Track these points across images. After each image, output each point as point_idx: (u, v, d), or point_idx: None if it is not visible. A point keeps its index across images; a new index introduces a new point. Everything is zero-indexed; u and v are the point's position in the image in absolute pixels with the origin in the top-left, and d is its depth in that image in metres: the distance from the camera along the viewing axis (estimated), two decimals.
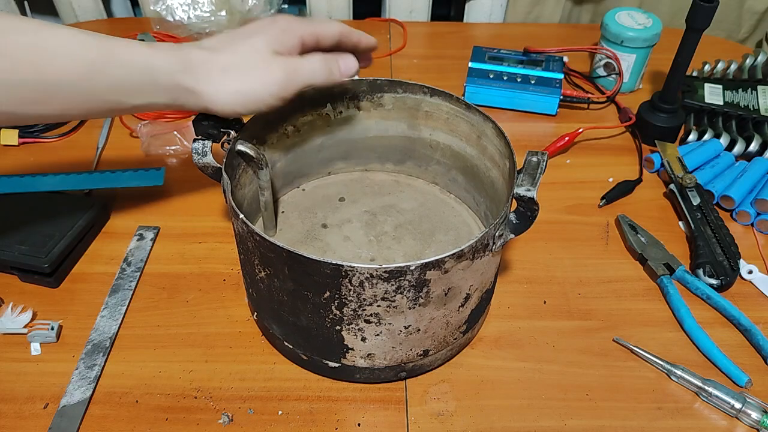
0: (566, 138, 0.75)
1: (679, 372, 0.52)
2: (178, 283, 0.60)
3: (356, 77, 0.56)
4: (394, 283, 0.42)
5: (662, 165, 0.72)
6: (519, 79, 0.82)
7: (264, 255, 0.44)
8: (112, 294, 0.58)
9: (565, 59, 0.85)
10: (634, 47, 0.81)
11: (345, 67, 0.52)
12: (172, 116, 0.78)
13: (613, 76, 0.85)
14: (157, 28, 0.91)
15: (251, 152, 0.51)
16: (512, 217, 0.47)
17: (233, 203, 0.45)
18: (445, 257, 0.42)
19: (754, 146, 0.73)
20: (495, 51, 0.87)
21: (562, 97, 0.80)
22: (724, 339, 0.55)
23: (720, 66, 0.86)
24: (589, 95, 0.82)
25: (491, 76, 0.82)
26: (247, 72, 0.47)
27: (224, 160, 0.49)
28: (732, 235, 0.63)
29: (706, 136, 0.75)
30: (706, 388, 0.50)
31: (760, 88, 0.80)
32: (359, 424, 0.49)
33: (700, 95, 0.80)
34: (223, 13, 0.91)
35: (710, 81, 0.82)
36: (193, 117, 0.52)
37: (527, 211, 0.46)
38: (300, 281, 0.44)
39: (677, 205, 0.68)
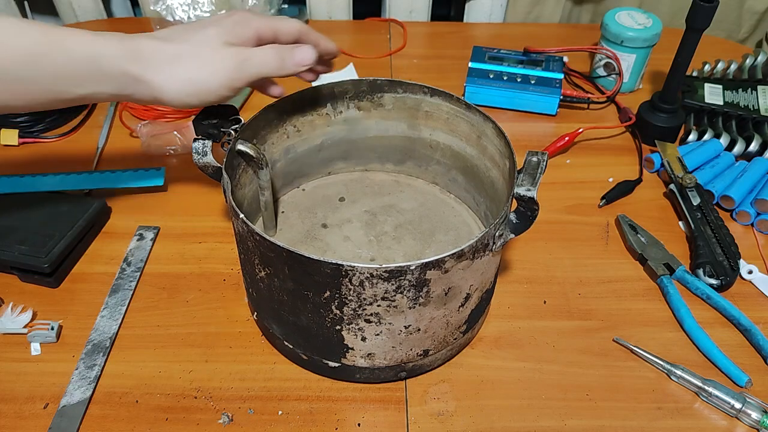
0: (566, 138, 0.75)
1: (679, 372, 0.52)
2: (178, 283, 0.60)
3: (319, 80, 0.55)
4: (394, 282, 0.42)
5: (662, 165, 0.72)
6: (519, 79, 0.82)
7: (264, 255, 0.44)
8: (112, 294, 0.58)
9: (565, 59, 0.85)
10: (634, 47, 0.81)
11: (300, 56, 0.50)
12: (172, 116, 0.78)
13: (613, 76, 0.85)
14: (158, 28, 0.91)
15: (251, 152, 0.51)
16: (512, 217, 0.47)
17: (233, 203, 0.45)
18: (445, 257, 0.42)
19: (754, 146, 0.73)
20: (495, 51, 0.87)
21: (562, 97, 0.80)
22: (724, 339, 0.55)
23: (720, 66, 0.86)
24: (589, 95, 0.82)
25: (491, 76, 0.82)
26: (197, 60, 0.46)
27: (224, 159, 0.49)
28: (732, 235, 0.63)
29: (706, 136, 0.75)
30: (706, 388, 0.50)
31: (760, 88, 0.80)
32: (359, 424, 0.49)
33: (700, 95, 0.80)
34: (223, 12, 0.91)
35: (710, 81, 0.82)
36: (193, 117, 0.53)
37: (527, 211, 0.46)
38: (300, 281, 0.44)
39: (677, 205, 0.68)
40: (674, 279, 0.60)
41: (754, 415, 0.49)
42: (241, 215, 0.44)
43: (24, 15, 0.98)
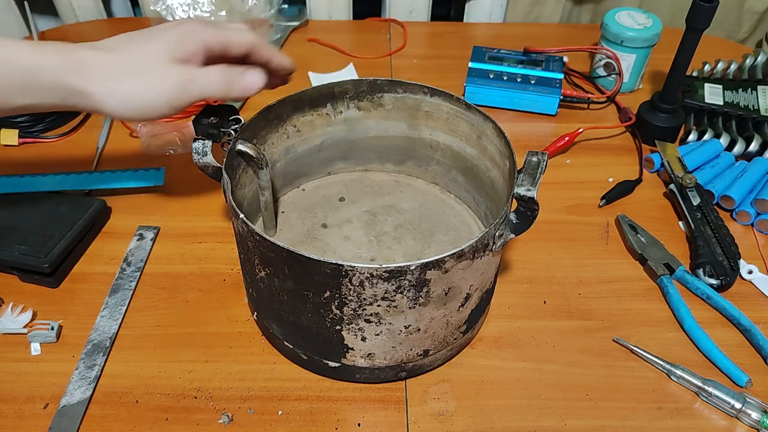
0: (566, 138, 0.75)
1: (679, 372, 0.52)
2: (178, 283, 0.60)
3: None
4: (394, 282, 0.42)
5: (662, 165, 0.72)
6: (519, 79, 0.82)
7: (264, 255, 0.44)
8: (112, 294, 0.58)
9: (565, 59, 0.85)
10: (634, 47, 0.81)
11: (248, 81, 0.49)
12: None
13: (613, 76, 0.85)
14: None
15: (251, 152, 0.51)
16: (512, 216, 0.47)
17: (233, 203, 0.45)
18: (445, 257, 0.42)
19: (754, 146, 0.73)
20: (495, 51, 0.87)
21: (562, 97, 0.80)
22: (724, 339, 0.55)
23: (720, 66, 0.86)
24: (589, 95, 0.82)
25: (491, 76, 0.82)
26: (140, 77, 0.45)
27: (224, 159, 0.49)
28: (732, 235, 0.63)
29: (706, 136, 0.75)
30: (706, 388, 0.50)
31: (760, 88, 0.80)
32: (359, 424, 0.49)
33: (700, 95, 0.80)
34: (223, 13, 0.91)
35: (710, 81, 0.82)
36: (193, 117, 0.53)
37: (527, 210, 0.46)
38: (300, 281, 0.44)
39: (677, 205, 0.68)
40: (674, 279, 0.60)
41: (754, 415, 0.49)
42: (241, 215, 0.44)
43: (24, 15, 0.98)
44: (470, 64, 0.84)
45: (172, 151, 0.74)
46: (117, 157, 0.74)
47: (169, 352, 0.54)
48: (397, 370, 0.51)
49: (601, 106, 0.84)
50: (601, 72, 0.87)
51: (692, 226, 0.64)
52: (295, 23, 0.98)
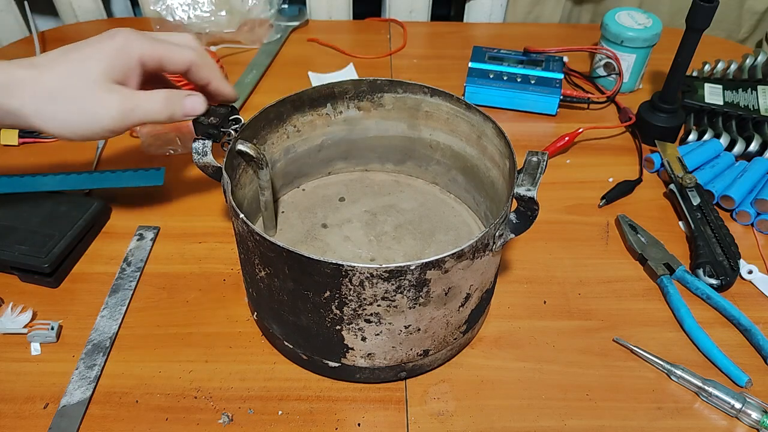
0: (566, 138, 0.75)
1: (679, 372, 0.52)
2: (178, 283, 0.60)
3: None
4: (394, 282, 0.42)
5: (662, 165, 0.72)
6: (519, 79, 0.82)
7: (264, 255, 0.44)
8: (112, 294, 0.58)
9: (565, 59, 0.85)
10: (634, 47, 0.81)
11: (189, 107, 0.49)
12: None
13: (613, 76, 0.85)
14: (157, 28, 0.91)
15: (251, 152, 0.51)
16: (512, 216, 0.47)
17: (233, 203, 0.45)
18: (445, 257, 0.42)
19: (754, 146, 0.73)
20: (495, 51, 0.87)
21: (562, 97, 0.80)
22: (724, 339, 0.55)
23: (720, 66, 0.86)
24: (589, 95, 0.82)
25: (491, 76, 0.82)
26: (78, 102, 0.44)
27: (224, 159, 0.49)
28: (732, 235, 0.63)
29: (706, 136, 0.75)
30: (706, 388, 0.50)
31: (760, 88, 0.80)
32: (359, 424, 0.49)
33: (700, 95, 0.80)
34: (223, 13, 0.91)
35: (710, 81, 0.82)
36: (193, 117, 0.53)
37: (527, 210, 0.46)
38: (300, 281, 0.44)
39: (677, 205, 0.68)
40: (674, 279, 0.60)
41: (754, 415, 0.49)
42: (241, 215, 0.44)
43: (24, 15, 0.98)
44: (470, 64, 0.84)
45: (172, 151, 0.74)
46: (117, 157, 0.74)
47: (169, 352, 0.54)
48: (397, 370, 0.51)
49: (601, 106, 0.84)
50: (601, 72, 0.87)
51: (692, 226, 0.64)
52: (295, 23, 0.98)
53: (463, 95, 0.83)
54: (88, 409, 0.49)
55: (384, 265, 0.41)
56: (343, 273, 0.41)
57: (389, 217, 0.63)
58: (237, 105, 0.81)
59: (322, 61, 0.92)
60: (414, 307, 0.45)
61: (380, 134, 0.64)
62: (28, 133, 0.75)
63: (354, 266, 0.41)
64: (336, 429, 0.49)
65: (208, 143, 0.52)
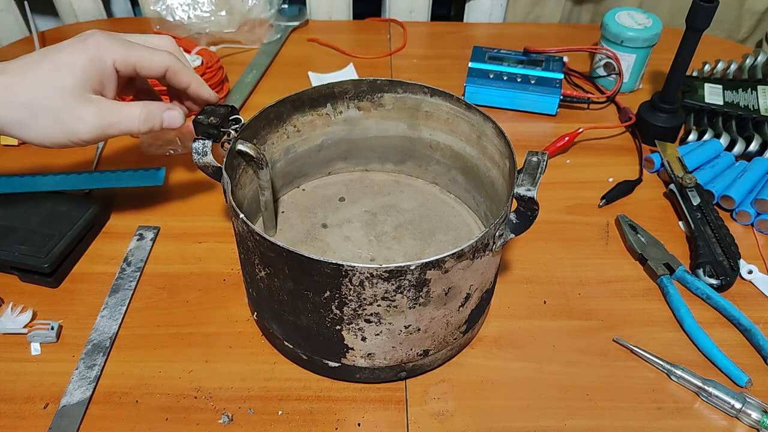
0: (566, 138, 0.75)
1: (679, 372, 0.52)
2: (178, 283, 0.60)
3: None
4: (394, 282, 0.42)
5: (662, 165, 0.72)
6: (519, 79, 0.82)
7: (264, 255, 0.44)
8: (112, 294, 0.58)
9: (565, 59, 0.85)
10: (634, 47, 0.81)
11: (168, 121, 0.49)
12: None
13: (613, 76, 0.85)
14: (157, 28, 0.91)
15: (251, 152, 0.51)
16: (512, 216, 0.47)
17: (233, 203, 0.45)
18: (445, 257, 0.42)
19: (754, 146, 0.73)
20: (495, 51, 0.87)
21: (562, 97, 0.80)
22: (724, 339, 0.55)
23: (720, 66, 0.86)
24: (589, 95, 0.82)
25: (491, 76, 0.82)
26: (53, 115, 0.44)
27: (224, 159, 0.49)
28: (732, 235, 0.63)
29: (706, 136, 0.75)
30: (706, 388, 0.50)
31: (760, 88, 0.80)
32: (359, 424, 0.49)
33: (700, 95, 0.80)
34: (223, 13, 0.91)
35: (710, 81, 0.82)
36: (193, 117, 0.53)
37: (527, 210, 0.46)
38: (300, 281, 0.44)
39: (677, 205, 0.68)
40: (674, 279, 0.60)
41: (754, 415, 0.49)
42: (241, 215, 0.44)
43: (24, 15, 0.98)
44: (470, 64, 0.84)
45: (172, 151, 0.74)
46: (117, 157, 0.74)
47: (169, 352, 0.54)
48: (397, 370, 0.51)
49: (601, 106, 0.84)
50: (601, 72, 0.87)
51: (692, 226, 0.64)
52: (295, 23, 0.98)
53: (463, 95, 0.83)
54: (88, 409, 0.49)
55: (384, 265, 0.41)
56: (343, 273, 0.41)
57: (389, 217, 0.63)
58: (237, 105, 0.81)
59: (322, 61, 0.92)
60: (414, 307, 0.45)
61: (380, 134, 0.64)
62: None
63: (354, 266, 0.41)
64: (336, 429, 0.49)
65: (208, 143, 0.52)
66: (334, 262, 0.41)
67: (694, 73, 0.86)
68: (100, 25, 1.00)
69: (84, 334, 0.55)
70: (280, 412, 0.50)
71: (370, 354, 0.48)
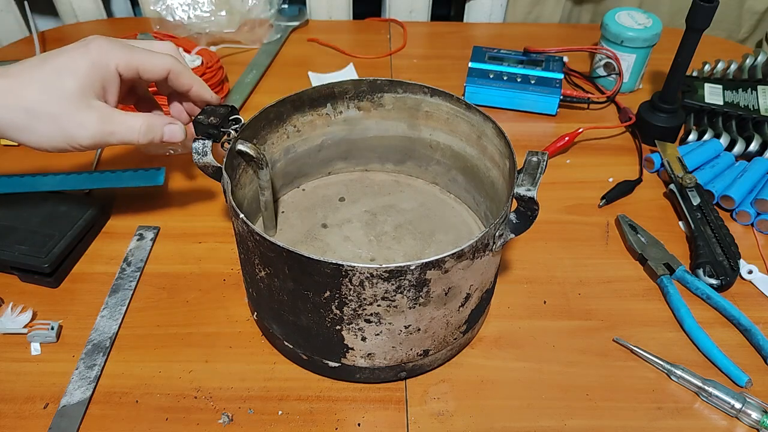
0: (566, 138, 0.75)
1: (679, 372, 0.52)
2: (178, 283, 0.60)
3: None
4: (394, 282, 0.42)
5: (662, 165, 0.72)
6: (519, 79, 0.82)
7: (264, 255, 0.44)
8: (112, 294, 0.58)
9: (565, 59, 0.85)
10: (634, 47, 0.81)
11: (168, 136, 0.49)
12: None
13: (613, 76, 0.85)
14: (157, 28, 0.91)
15: (251, 152, 0.51)
16: (512, 216, 0.47)
17: (233, 203, 0.45)
18: (445, 257, 0.42)
19: (754, 146, 0.73)
20: (495, 51, 0.87)
21: (562, 97, 0.80)
22: (724, 339, 0.55)
23: (720, 66, 0.86)
24: (589, 95, 0.82)
25: (491, 76, 0.82)
26: (55, 120, 0.44)
27: (224, 159, 0.49)
28: (732, 235, 0.63)
29: (706, 136, 0.75)
30: (706, 388, 0.50)
31: (760, 88, 0.80)
32: (359, 424, 0.49)
33: (700, 95, 0.80)
34: (223, 13, 0.91)
35: (710, 81, 0.82)
36: (194, 117, 0.53)
37: (527, 210, 0.46)
38: (300, 281, 0.44)
39: (677, 205, 0.68)
40: (674, 279, 0.60)
41: (754, 415, 0.49)
42: (241, 215, 0.44)
43: (24, 15, 0.98)
44: (470, 64, 0.84)
45: (172, 151, 0.74)
46: (117, 157, 0.74)
47: (169, 352, 0.54)
48: (397, 370, 0.51)
49: (601, 106, 0.84)
50: (601, 72, 0.87)
51: (692, 226, 0.64)
52: (295, 23, 0.98)
53: (463, 95, 0.83)
54: (88, 409, 0.49)
55: (384, 265, 0.41)
56: (343, 273, 0.41)
57: (389, 217, 0.63)
58: (237, 105, 0.81)
59: (322, 61, 0.92)
60: (414, 307, 0.45)
61: (380, 134, 0.64)
62: None
63: (354, 266, 0.41)
64: (336, 429, 0.49)
65: (208, 143, 0.52)
66: (334, 262, 0.41)
67: (694, 73, 0.86)
68: (99, 25, 1.00)
69: (84, 334, 0.55)
70: (280, 412, 0.50)
71: (370, 354, 0.48)
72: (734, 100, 0.79)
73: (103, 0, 1.02)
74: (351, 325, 0.46)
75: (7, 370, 0.52)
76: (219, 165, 0.51)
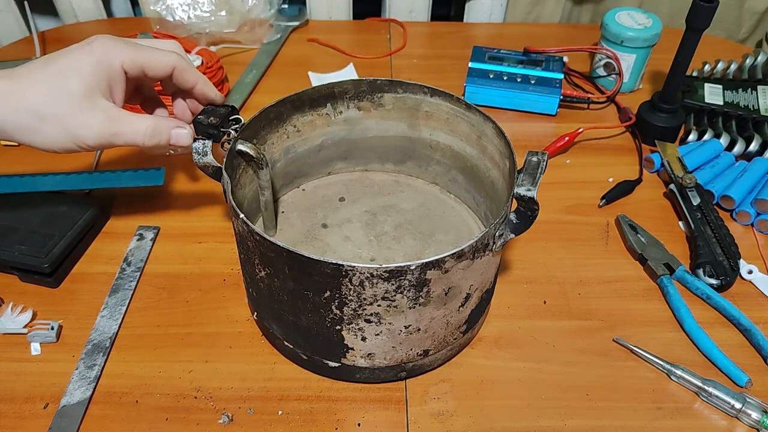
0: (566, 138, 0.75)
1: (679, 372, 0.52)
2: (178, 283, 0.60)
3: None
4: (394, 282, 0.42)
5: (662, 165, 0.72)
6: (519, 79, 0.82)
7: (264, 255, 0.44)
8: (112, 294, 0.58)
9: (565, 59, 0.85)
10: (634, 47, 0.81)
11: (175, 141, 0.49)
12: (172, 116, 0.78)
13: (613, 76, 0.85)
14: (157, 28, 0.91)
15: (251, 152, 0.51)
16: (512, 216, 0.47)
17: (233, 203, 0.45)
18: (445, 257, 0.42)
19: (754, 146, 0.73)
20: (495, 51, 0.87)
21: (562, 97, 0.80)
22: (724, 339, 0.55)
23: (720, 66, 0.86)
24: (589, 95, 0.82)
25: (491, 76, 0.82)
26: (60, 121, 0.44)
27: (224, 159, 0.49)
28: (732, 235, 0.63)
29: (706, 136, 0.75)
30: (706, 388, 0.50)
31: (760, 88, 0.80)
32: (359, 424, 0.49)
33: (700, 95, 0.80)
34: (223, 13, 0.91)
35: (710, 81, 0.82)
36: (194, 117, 0.53)
37: (527, 210, 0.46)
38: (300, 281, 0.44)
39: (677, 205, 0.68)
40: (674, 279, 0.60)
41: (754, 415, 0.49)
42: (241, 215, 0.44)
43: (24, 15, 0.98)
44: (470, 64, 0.84)
45: (172, 151, 0.73)
46: (117, 157, 0.74)
47: (169, 352, 0.54)
48: (397, 370, 0.51)
49: (601, 106, 0.84)
50: (601, 72, 0.87)
51: (692, 226, 0.64)
52: (295, 23, 0.98)
53: (463, 95, 0.83)
54: (88, 409, 0.49)
55: (384, 265, 0.41)
56: (343, 273, 0.41)
57: (389, 217, 0.63)
58: (237, 105, 0.81)
59: (322, 61, 0.92)
60: (414, 307, 0.45)
61: (380, 134, 0.64)
62: None
63: (354, 266, 0.41)
64: (336, 429, 0.49)
65: (208, 143, 0.52)
66: (334, 262, 0.41)
67: (694, 73, 0.86)
68: (99, 25, 1.00)
69: (84, 334, 0.55)
70: (280, 412, 0.50)
71: (370, 354, 0.48)
72: (734, 100, 0.79)
73: (103, 0, 1.02)
74: (351, 325, 0.46)
75: (7, 370, 0.52)
76: (219, 165, 0.51)
